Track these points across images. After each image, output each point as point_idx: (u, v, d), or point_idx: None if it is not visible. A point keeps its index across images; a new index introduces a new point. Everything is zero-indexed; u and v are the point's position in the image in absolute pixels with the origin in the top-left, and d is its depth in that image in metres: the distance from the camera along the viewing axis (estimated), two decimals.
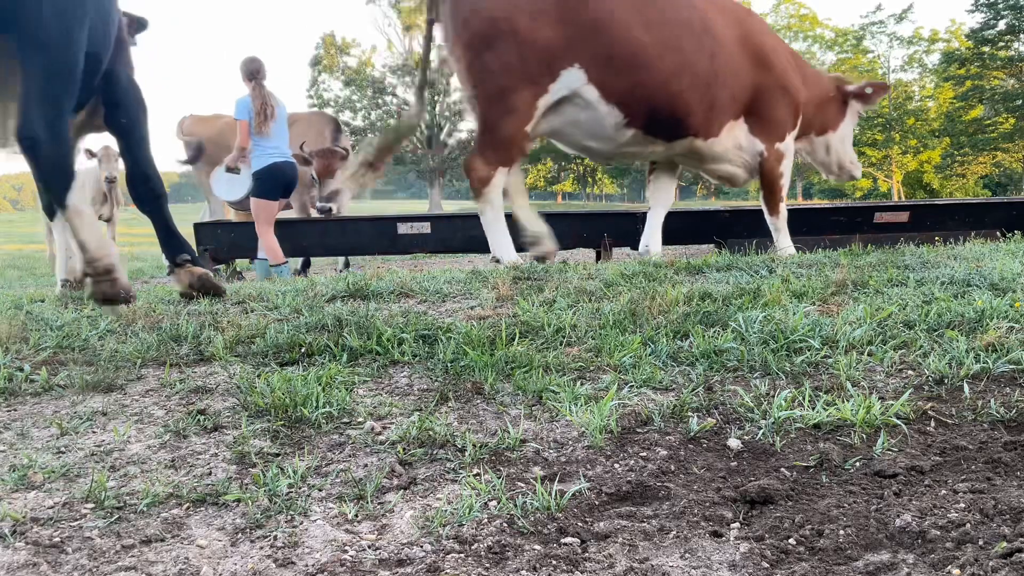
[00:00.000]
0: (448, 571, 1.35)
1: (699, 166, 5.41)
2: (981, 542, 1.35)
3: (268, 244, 6.49)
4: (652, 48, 4.49)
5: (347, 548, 1.45)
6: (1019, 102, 33.69)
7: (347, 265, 8.49)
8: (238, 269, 7.78)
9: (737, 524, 1.52)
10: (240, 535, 1.52)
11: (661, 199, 5.57)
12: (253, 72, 6.21)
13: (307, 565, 1.39)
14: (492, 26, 4.38)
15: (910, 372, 2.28)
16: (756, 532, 1.47)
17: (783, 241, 5.65)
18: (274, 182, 6.38)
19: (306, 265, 8.65)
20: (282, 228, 7.19)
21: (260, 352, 2.71)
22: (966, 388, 2.10)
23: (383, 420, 2.09)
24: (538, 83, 4.45)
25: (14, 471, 1.79)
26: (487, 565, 1.38)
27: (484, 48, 4.43)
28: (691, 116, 4.80)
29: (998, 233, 6.29)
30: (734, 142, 5.11)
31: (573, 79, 4.47)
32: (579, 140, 4.92)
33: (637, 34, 4.45)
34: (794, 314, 2.75)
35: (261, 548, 1.46)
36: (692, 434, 1.92)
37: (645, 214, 7.06)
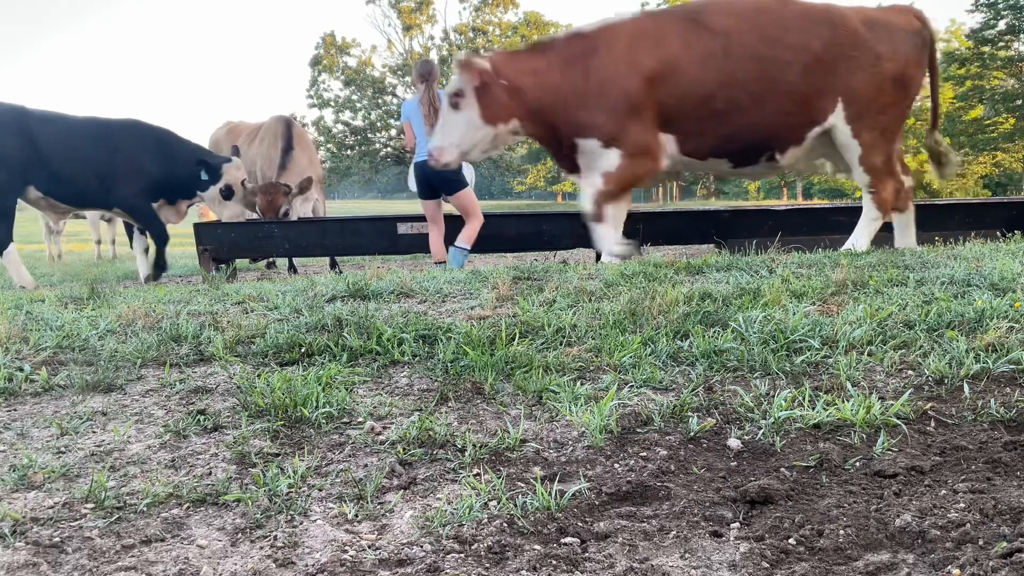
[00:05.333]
0: (448, 571, 1.35)
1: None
2: (981, 542, 1.35)
3: (430, 241, 6.59)
4: None
5: (347, 548, 1.45)
6: (1019, 102, 33.68)
7: (334, 265, 8.53)
8: (237, 269, 7.79)
9: (737, 524, 1.52)
10: (240, 535, 1.52)
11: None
12: (424, 75, 6.33)
13: (307, 565, 1.40)
14: None
15: (910, 372, 2.28)
16: (756, 532, 1.47)
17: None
18: (419, 185, 6.50)
19: (290, 267, 8.68)
20: (282, 228, 7.19)
21: (260, 352, 2.71)
22: (966, 388, 2.10)
23: (383, 420, 2.09)
24: None
25: (14, 471, 1.80)
26: (487, 565, 1.38)
27: None
28: None
29: (998, 233, 6.28)
30: None
31: None
32: None
33: None
34: (794, 314, 2.75)
35: (261, 548, 1.46)
36: (692, 434, 1.92)
37: (644, 214, 7.08)
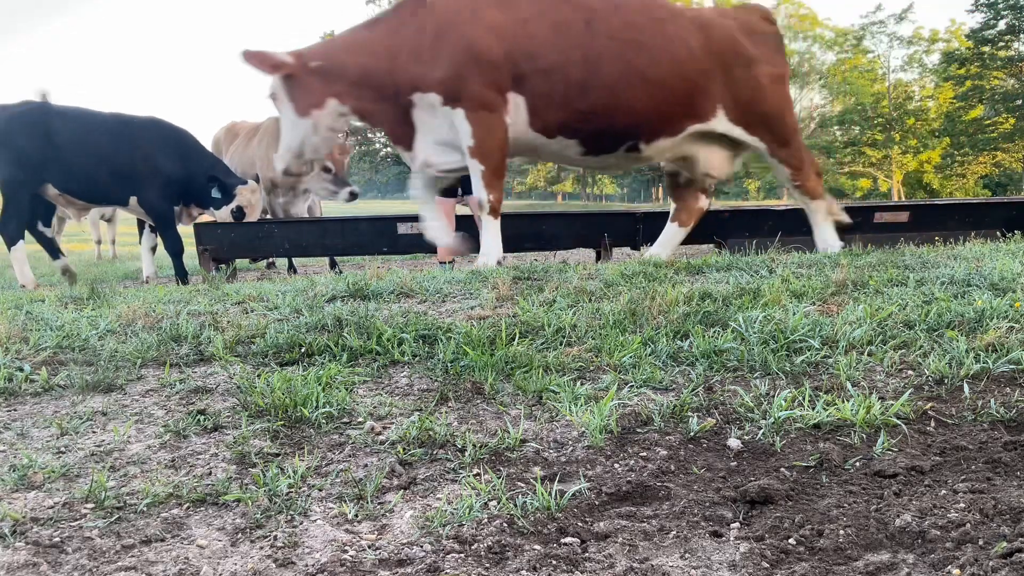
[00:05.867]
0: (448, 571, 1.35)
1: None
2: (981, 542, 1.35)
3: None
4: None
5: (347, 548, 1.45)
6: (1019, 102, 33.70)
7: (333, 265, 8.55)
8: (237, 269, 7.80)
9: (737, 524, 1.52)
10: (240, 535, 1.52)
11: None
12: None
13: (307, 565, 1.39)
14: None
15: (910, 372, 2.28)
16: (756, 532, 1.47)
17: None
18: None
19: (290, 267, 8.71)
20: (282, 228, 7.19)
21: (260, 352, 2.71)
22: (966, 388, 2.10)
23: (383, 420, 2.09)
24: None
25: (14, 471, 1.80)
26: (487, 565, 1.38)
27: None
28: None
29: (998, 233, 6.28)
30: None
31: None
32: None
33: None
34: (794, 314, 2.75)
35: (261, 548, 1.46)
36: (692, 434, 1.92)
37: (644, 214, 7.07)
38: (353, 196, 7.64)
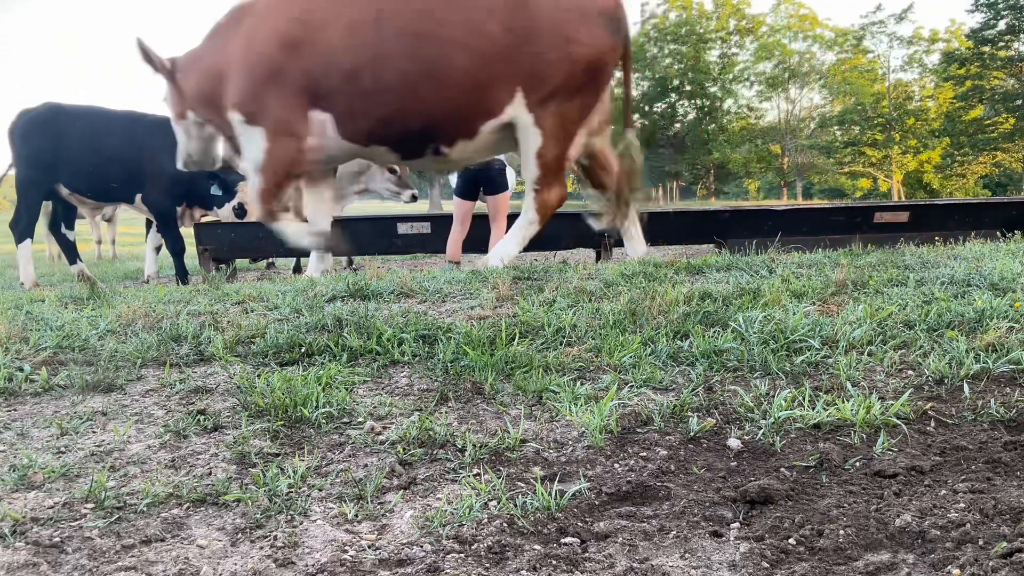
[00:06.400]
0: (448, 571, 1.35)
1: None
2: (981, 542, 1.35)
3: (450, 239, 6.57)
4: None
5: (347, 548, 1.45)
6: (1019, 102, 33.71)
7: (350, 263, 8.58)
8: (237, 269, 7.80)
9: (737, 524, 1.52)
10: (240, 535, 1.52)
11: None
12: None
13: (307, 565, 1.40)
14: None
15: (910, 372, 2.28)
16: (756, 532, 1.47)
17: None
18: (463, 181, 6.50)
19: (296, 268, 8.75)
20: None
21: (260, 352, 2.71)
22: (966, 388, 2.10)
23: (383, 420, 2.09)
24: None
25: (14, 471, 1.80)
26: (487, 565, 1.38)
27: None
28: None
29: (998, 233, 6.28)
30: None
31: None
32: None
33: None
34: (794, 314, 2.75)
35: (261, 548, 1.46)
36: (692, 434, 1.92)
37: (644, 214, 7.06)
38: (414, 198, 7.88)
